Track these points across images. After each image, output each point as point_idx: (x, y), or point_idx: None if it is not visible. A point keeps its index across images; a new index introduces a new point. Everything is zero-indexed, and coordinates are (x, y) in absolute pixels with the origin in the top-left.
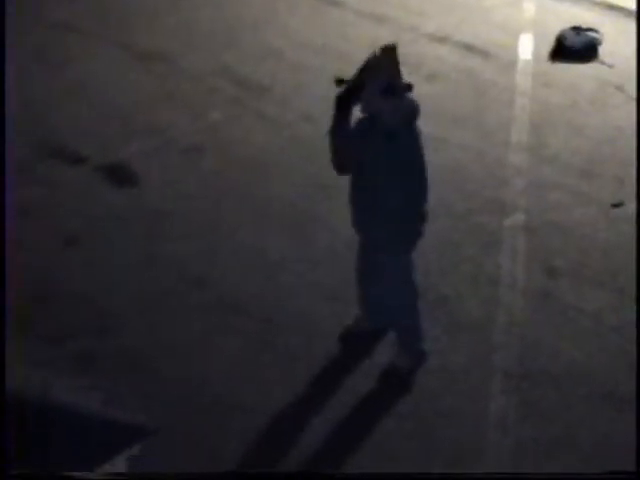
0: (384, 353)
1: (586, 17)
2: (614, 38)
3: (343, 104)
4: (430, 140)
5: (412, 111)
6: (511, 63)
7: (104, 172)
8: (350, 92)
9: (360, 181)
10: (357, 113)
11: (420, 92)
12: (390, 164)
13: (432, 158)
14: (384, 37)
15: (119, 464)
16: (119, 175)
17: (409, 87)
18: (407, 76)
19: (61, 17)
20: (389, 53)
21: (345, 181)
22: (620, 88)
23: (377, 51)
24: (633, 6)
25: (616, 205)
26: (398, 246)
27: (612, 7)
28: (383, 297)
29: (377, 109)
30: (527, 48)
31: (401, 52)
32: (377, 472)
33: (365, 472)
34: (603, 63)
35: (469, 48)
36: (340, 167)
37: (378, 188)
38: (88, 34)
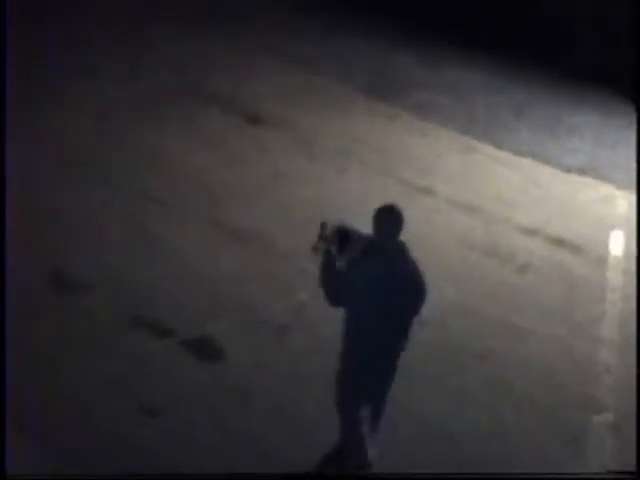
0: None
1: None
2: None
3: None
4: (517, 331)
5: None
6: (602, 259)
7: (190, 346)
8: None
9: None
10: None
11: (511, 283)
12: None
13: (518, 349)
14: (475, 227)
15: None
16: (205, 350)
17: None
18: (498, 268)
19: (160, 193)
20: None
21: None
22: None
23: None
24: None
25: None
26: None
27: None
28: None
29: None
30: (619, 245)
31: (492, 243)
32: (377, 472)
33: (365, 472)
34: None
35: (560, 242)
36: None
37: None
38: (185, 211)
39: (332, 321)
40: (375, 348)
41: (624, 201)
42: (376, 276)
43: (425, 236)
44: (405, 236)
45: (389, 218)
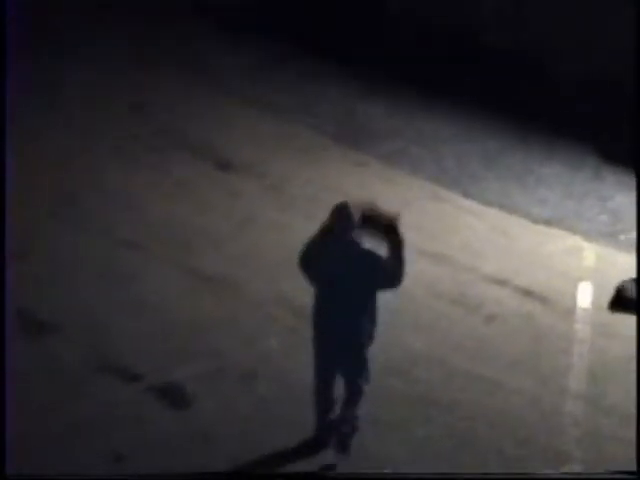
0: None
1: None
2: None
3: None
4: (485, 383)
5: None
6: (570, 310)
7: (157, 392)
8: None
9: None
10: None
11: (478, 333)
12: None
13: (485, 401)
14: (443, 276)
15: None
16: (172, 397)
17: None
18: (465, 317)
19: (132, 237)
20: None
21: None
22: None
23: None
24: None
25: None
26: None
27: None
28: None
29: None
30: (586, 296)
31: (460, 292)
32: (377, 472)
33: (365, 472)
34: None
35: (528, 292)
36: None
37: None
38: (155, 256)
39: (300, 369)
40: (343, 320)
41: (591, 253)
42: (344, 256)
43: None
44: None
45: (349, 213)
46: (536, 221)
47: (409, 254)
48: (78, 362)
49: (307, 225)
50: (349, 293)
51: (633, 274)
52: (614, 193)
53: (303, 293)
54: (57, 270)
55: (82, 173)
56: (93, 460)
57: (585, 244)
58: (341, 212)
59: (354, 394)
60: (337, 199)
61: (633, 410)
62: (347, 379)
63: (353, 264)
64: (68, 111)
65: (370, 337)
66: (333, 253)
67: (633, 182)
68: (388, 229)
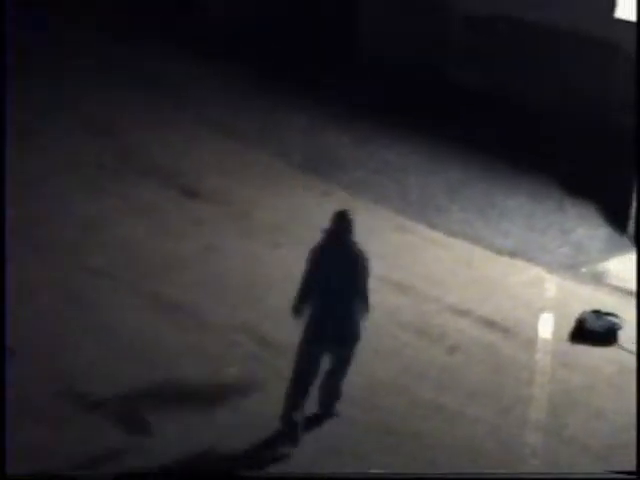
0: None
1: (607, 301)
2: (634, 324)
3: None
4: (445, 413)
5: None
6: (531, 341)
7: (117, 419)
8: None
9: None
10: None
11: (440, 363)
12: None
13: (446, 430)
14: (406, 306)
15: None
16: (132, 424)
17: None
18: (428, 347)
19: (96, 263)
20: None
21: None
22: None
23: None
24: None
25: None
26: None
27: (632, 293)
28: None
29: None
30: (547, 327)
31: (423, 322)
32: (377, 472)
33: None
34: (623, 348)
35: (490, 323)
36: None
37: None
38: (119, 281)
39: (261, 397)
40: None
41: (553, 284)
42: (337, 253)
43: None
44: None
45: (345, 218)
46: (499, 252)
47: (373, 283)
48: (36, 386)
49: (272, 253)
50: (344, 284)
51: (594, 306)
52: (576, 226)
53: (266, 321)
54: (18, 293)
55: (43, 196)
56: None
57: (547, 276)
58: (341, 217)
59: (340, 365)
60: (302, 228)
61: (592, 440)
62: (336, 352)
63: (350, 261)
64: (31, 131)
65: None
66: (334, 251)
67: (595, 215)
68: None
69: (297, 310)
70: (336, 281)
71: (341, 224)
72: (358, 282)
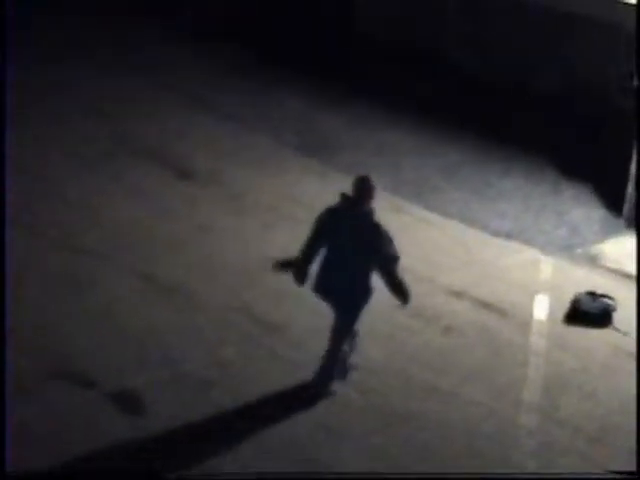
0: None
1: (601, 283)
2: (629, 306)
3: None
4: (441, 394)
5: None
6: (526, 323)
7: (112, 399)
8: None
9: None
10: None
11: (435, 345)
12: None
13: (441, 412)
14: None
15: None
16: (127, 404)
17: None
18: (423, 329)
19: (91, 245)
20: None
21: None
22: (633, 356)
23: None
24: None
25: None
26: None
27: (627, 275)
28: None
29: None
30: (542, 309)
31: (418, 304)
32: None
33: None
34: (617, 330)
35: (485, 305)
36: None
37: None
38: (114, 263)
39: (256, 378)
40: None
41: (548, 266)
42: (353, 223)
43: None
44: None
45: (363, 185)
46: (495, 234)
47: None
48: (31, 367)
49: (266, 234)
50: (353, 253)
51: (589, 288)
52: (571, 207)
53: (261, 301)
54: (11, 275)
55: (38, 178)
56: (42, 464)
57: (542, 257)
58: (361, 184)
59: (334, 335)
60: (296, 208)
61: (585, 423)
62: (337, 308)
63: (363, 230)
64: (23, 115)
65: (365, 291)
66: (348, 218)
67: (590, 196)
68: None
69: (299, 271)
70: (344, 241)
71: (359, 189)
72: (369, 245)
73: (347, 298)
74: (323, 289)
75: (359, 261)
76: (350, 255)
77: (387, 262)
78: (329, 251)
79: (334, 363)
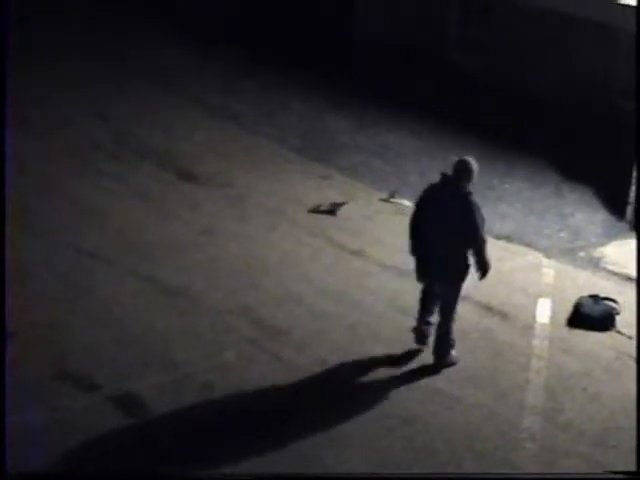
0: None
1: (605, 286)
2: (632, 308)
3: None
4: (443, 397)
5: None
6: (529, 326)
7: (115, 402)
8: None
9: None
10: None
11: None
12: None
13: (444, 415)
14: (405, 291)
15: None
16: (129, 406)
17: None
18: None
19: (93, 246)
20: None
21: None
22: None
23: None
24: None
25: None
26: None
27: (630, 278)
28: None
29: None
30: (545, 312)
31: None
32: (376, 472)
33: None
34: (620, 333)
35: (488, 308)
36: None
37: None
38: (116, 265)
39: (257, 380)
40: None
41: (550, 269)
42: (451, 202)
43: (355, 298)
44: (336, 297)
45: (462, 167)
46: (497, 237)
47: (371, 268)
48: (34, 369)
49: (268, 236)
50: (448, 229)
51: (591, 291)
52: (574, 210)
53: (262, 304)
54: (15, 277)
55: (40, 180)
56: (43, 465)
57: (545, 260)
58: (460, 165)
59: (444, 309)
60: (300, 211)
61: (588, 427)
62: (441, 298)
63: (459, 209)
64: (28, 117)
65: (465, 266)
66: (447, 196)
67: (592, 199)
68: None
69: (411, 245)
70: (441, 220)
71: (458, 170)
72: (464, 224)
73: (449, 273)
74: (423, 274)
75: (455, 237)
76: (445, 232)
77: (477, 242)
78: (426, 224)
79: (449, 335)
